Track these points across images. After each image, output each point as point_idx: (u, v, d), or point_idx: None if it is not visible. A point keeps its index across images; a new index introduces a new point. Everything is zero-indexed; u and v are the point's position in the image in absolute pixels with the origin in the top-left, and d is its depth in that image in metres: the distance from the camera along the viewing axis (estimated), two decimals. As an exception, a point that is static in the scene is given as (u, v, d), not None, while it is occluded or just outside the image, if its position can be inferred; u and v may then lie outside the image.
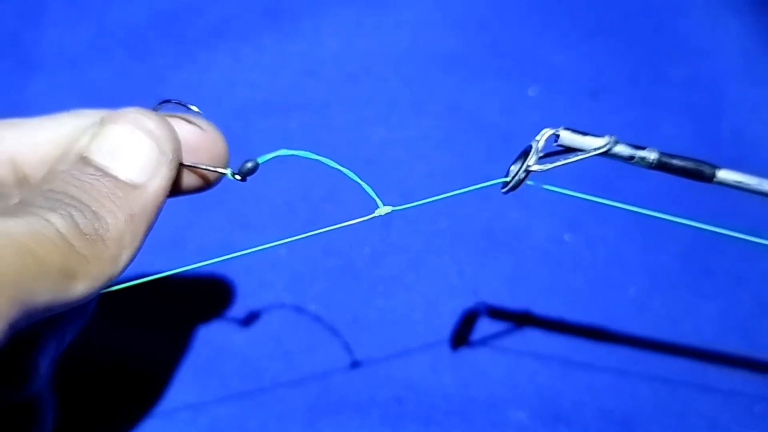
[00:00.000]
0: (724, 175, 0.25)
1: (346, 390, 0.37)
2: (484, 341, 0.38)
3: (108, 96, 0.45)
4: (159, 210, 0.25)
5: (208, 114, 0.45)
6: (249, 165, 0.26)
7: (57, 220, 0.23)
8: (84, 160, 0.25)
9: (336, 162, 0.25)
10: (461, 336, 0.37)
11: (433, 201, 0.27)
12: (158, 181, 0.25)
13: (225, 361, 0.37)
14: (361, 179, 0.26)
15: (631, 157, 0.25)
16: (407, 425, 0.36)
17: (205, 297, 0.39)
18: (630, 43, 0.48)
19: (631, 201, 0.42)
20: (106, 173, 0.24)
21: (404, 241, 0.41)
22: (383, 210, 0.27)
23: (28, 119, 0.27)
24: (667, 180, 0.42)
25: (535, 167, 0.24)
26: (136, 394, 0.36)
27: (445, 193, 0.26)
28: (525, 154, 0.24)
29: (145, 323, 0.38)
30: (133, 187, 0.24)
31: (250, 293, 0.39)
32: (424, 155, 0.44)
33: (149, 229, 0.25)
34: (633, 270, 0.40)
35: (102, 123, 0.25)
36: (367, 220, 0.26)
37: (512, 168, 0.25)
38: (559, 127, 0.24)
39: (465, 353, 0.38)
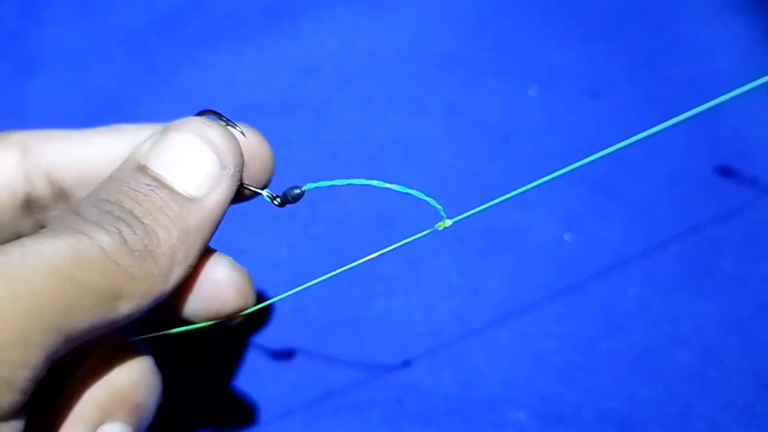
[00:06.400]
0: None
1: (346, 390, 0.37)
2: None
3: (108, 96, 0.45)
4: (216, 226, 0.24)
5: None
6: (295, 192, 0.25)
7: (103, 238, 0.21)
8: (141, 169, 0.23)
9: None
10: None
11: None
12: (217, 196, 0.23)
13: (225, 360, 0.37)
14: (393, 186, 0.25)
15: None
16: (407, 425, 0.36)
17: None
18: (630, 43, 0.48)
19: (628, 201, 0.42)
20: (162, 184, 0.23)
21: (404, 241, 0.41)
22: (446, 223, 0.26)
23: (66, 132, 0.26)
24: (664, 180, 0.42)
25: None
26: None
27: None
28: None
29: (145, 323, 0.38)
30: (190, 200, 0.23)
31: (250, 293, 0.39)
32: (424, 155, 0.44)
33: (204, 245, 0.24)
34: (633, 270, 0.40)
35: (163, 131, 0.24)
36: (428, 233, 0.25)
37: None
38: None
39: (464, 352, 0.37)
